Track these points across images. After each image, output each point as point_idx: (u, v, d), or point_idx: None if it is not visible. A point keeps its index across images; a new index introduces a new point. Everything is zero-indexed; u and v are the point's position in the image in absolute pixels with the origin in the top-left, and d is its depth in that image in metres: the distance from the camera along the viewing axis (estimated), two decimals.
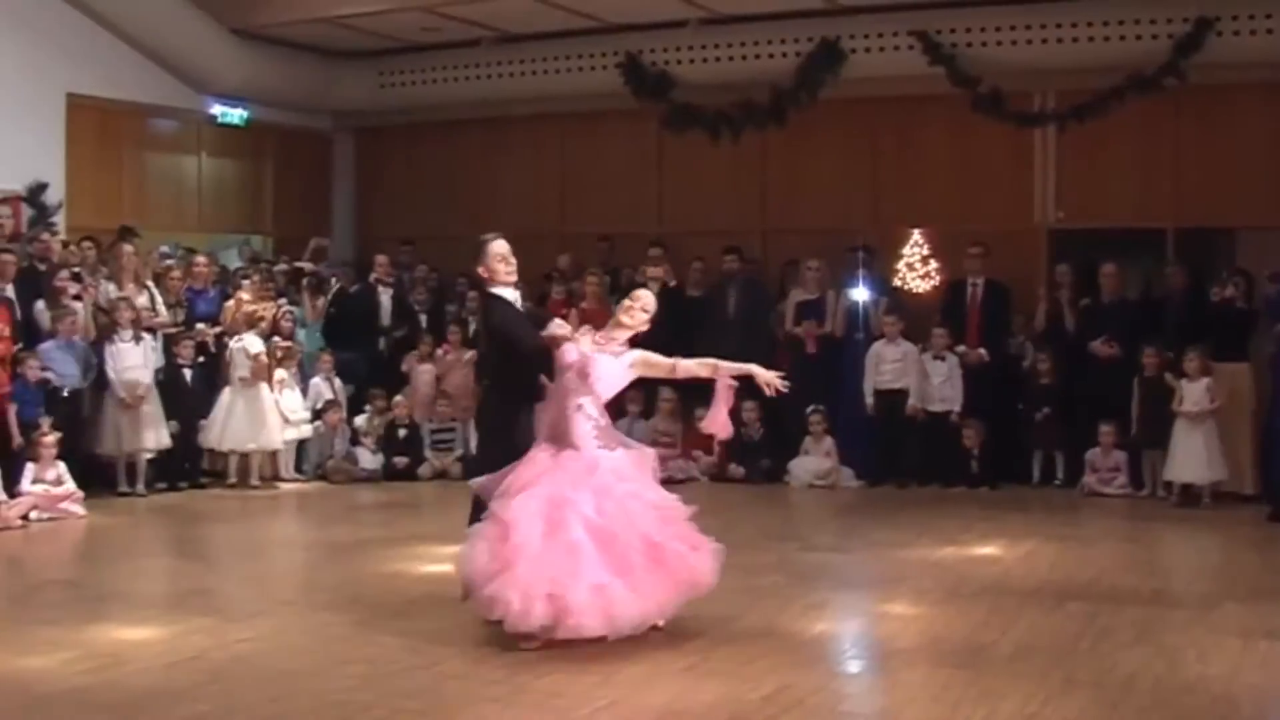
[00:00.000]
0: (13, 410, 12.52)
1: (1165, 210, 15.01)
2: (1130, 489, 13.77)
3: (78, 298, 13.56)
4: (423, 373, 15.74)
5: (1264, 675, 7.16)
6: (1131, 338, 13.89)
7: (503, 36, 17.28)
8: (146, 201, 16.82)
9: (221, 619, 8.36)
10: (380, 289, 16.47)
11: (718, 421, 8.29)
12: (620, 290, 15.84)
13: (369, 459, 15.21)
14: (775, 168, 16.68)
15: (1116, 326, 14.12)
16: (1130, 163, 15.15)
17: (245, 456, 14.47)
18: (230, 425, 14.32)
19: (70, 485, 12.55)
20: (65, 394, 13.17)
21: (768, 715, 6.39)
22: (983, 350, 14.66)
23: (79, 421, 13.39)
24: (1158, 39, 14.48)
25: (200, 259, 15.41)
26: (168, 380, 14.01)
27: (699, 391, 9.23)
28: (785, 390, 8.09)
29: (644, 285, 15.54)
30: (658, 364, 8.17)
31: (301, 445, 15.15)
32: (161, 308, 14.40)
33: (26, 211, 14.79)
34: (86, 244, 14.49)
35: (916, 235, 15.58)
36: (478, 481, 8.18)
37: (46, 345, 13.17)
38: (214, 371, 14.59)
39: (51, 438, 12.52)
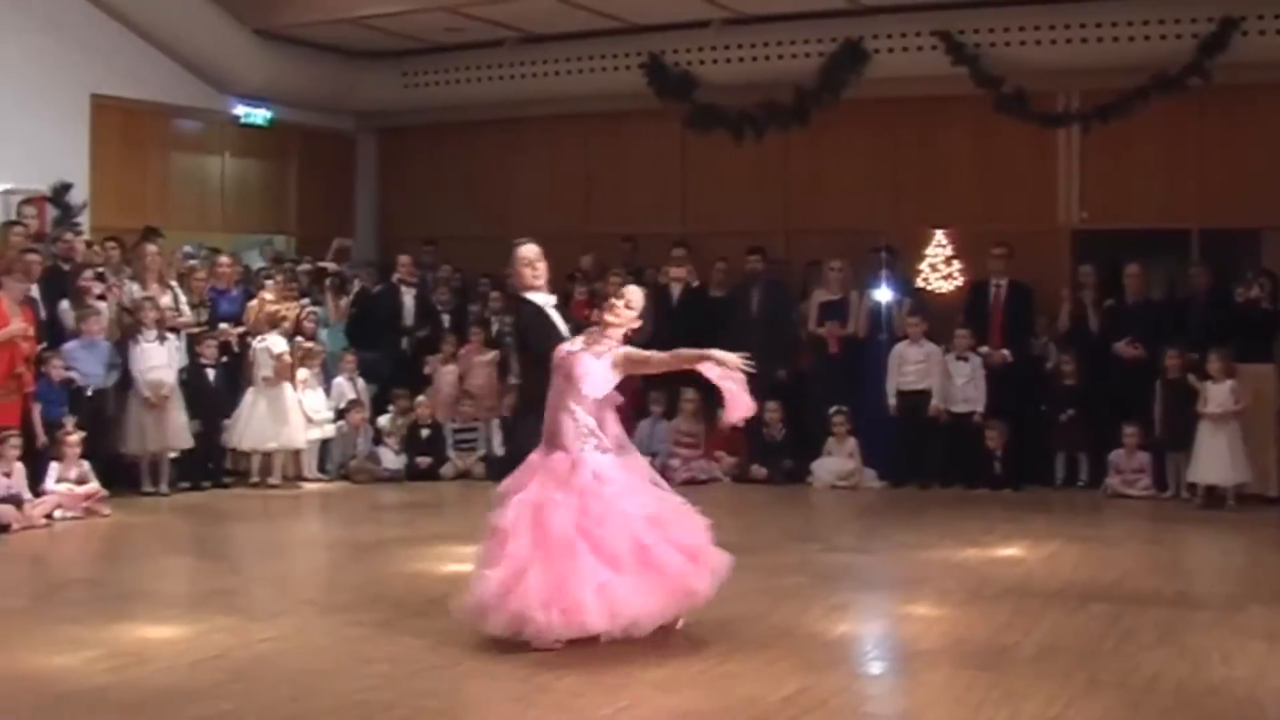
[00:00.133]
0: (37, 409, 12.58)
1: (1190, 211, 14.96)
2: (1154, 491, 13.71)
3: (102, 297, 13.63)
4: (445, 373, 15.75)
5: None
6: (1156, 339, 13.85)
7: (526, 37, 17.28)
8: (170, 202, 16.87)
9: (244, 618, 8.38)
10: (403, 289, 16.48)
11: (735, 410, 8.10)
12: (644, 291, 15.86)
13: (392, 459, 15.23)
14: (798, 168, 16.66)
15: (1140, 327, 14.07)
16: (1155, 163, 15.10)
17: (268, 456, 14.51)
18: (253, 425, 14.36)
19: (94, 484, 12.59)
20: (89, 394, 13.24)
21: (789, 716, 6.37)
22: (1006, 351, 14.62)
23: (103, 421, 13.43)
24: (1182, 39, 14.43)
25: (224, 259, 15.46)
26: (191, 380, 14.06)
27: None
28: (750, 370, 7.95)
29: (667, 285, 15.64)
30: (640, 359, 8.03)
31: (324, 445, 15.18)
32: (185, 308, 14.44)
33: (51, 212, 14.83)
34: (110, 244, 14.54)
35: (939, 236, 15.51)
36: (505, 484, 8.23)
37: (71, 345, 13.23)
38: (237, 371, 14.62)
39: (76, 437, 12.57)
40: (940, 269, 15.46)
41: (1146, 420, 13.76)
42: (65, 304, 13.56)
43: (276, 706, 6.55)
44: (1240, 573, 10.75)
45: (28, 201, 14.46)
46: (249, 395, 14.43)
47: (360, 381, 15.65)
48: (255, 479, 14.43)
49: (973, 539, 11.39)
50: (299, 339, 14.94)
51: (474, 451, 15.32)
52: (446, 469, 15.22)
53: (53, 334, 13.32)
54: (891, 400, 14.69)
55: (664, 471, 14.39)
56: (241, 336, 14.73)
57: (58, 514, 12.16)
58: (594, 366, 7.90)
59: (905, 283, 15.34)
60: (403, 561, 10.46)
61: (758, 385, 8.16)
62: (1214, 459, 13.05)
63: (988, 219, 15.36)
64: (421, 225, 18.40)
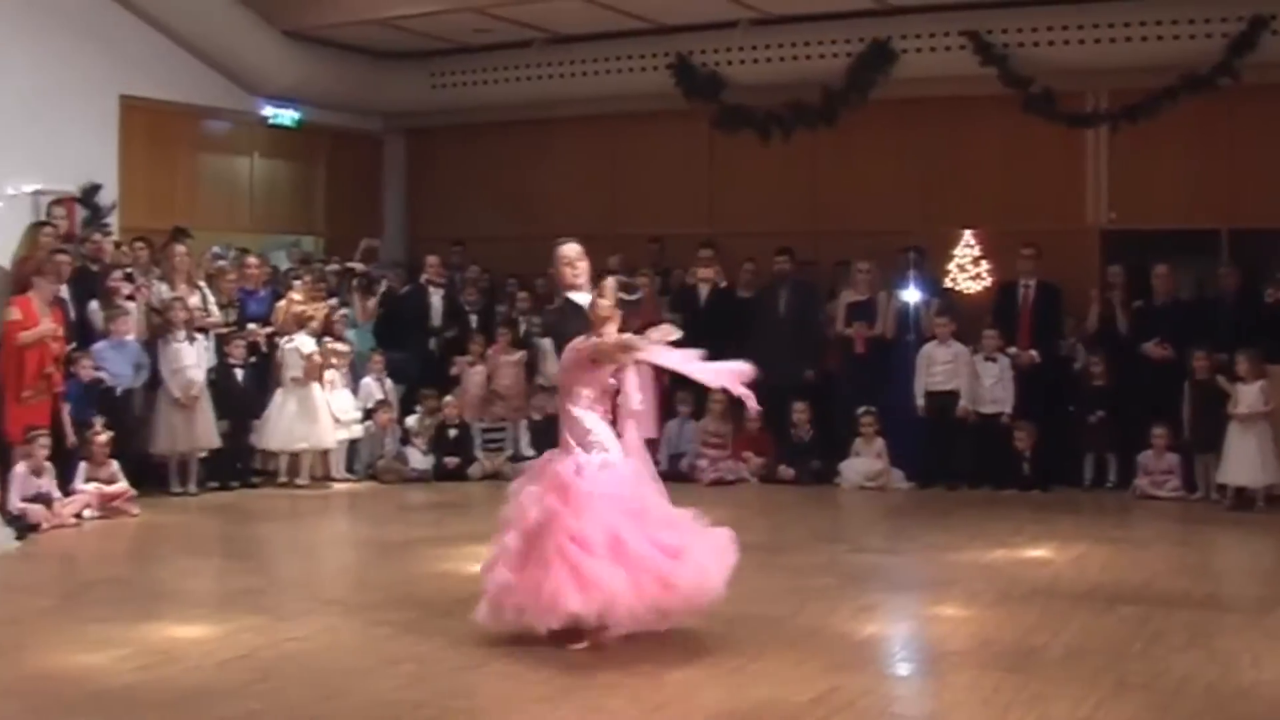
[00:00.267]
0: (67, 409, 12.63)
1: (1219, 211, 14.90)
2: (1183, 492, 13.65)
3: (131, 298, 13.70)
4: (473, 373, 15.75)
5: None
6: (1184, 339, 13.79)
7: (554, 37, 17.29)
8: (199, 202, 16.91)
9: (272, 618, 8.41)
10: (431, 289, 16.48)
11: (716, 378, 8.08)
12: (670, 291, 15.90)
13: (419, 459, 15.24)
14: (826, 168, 16.63)
15: (1169, 328, 14.01)
16: (1183, 163, 15.03)
17: (296, 456, 14.55)
18: (281, 425, 14.40)
19: (123, 484, 12.65)
20: (118, 394, 13.32)
21: (817, 717, 6.37)
22: (1034, 352, 14.56)
23: (131, 421, 13.51)
24: (1211, 38, 14.36)
25: (252, 260, 15.51)
26: (219, 380, 14.11)
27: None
28: (677, 336, 7.93)
29: (694, 286, 15.66)
30: (590, 349, 7.95)
31: (352, 445, 15.20)
32: (214, 308, 14.50)
33: (80, 212, 14.89)
34: (139, 245, 14.59)
35: (968, 236, 15.47)
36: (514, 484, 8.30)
37: (100, 345, 13.30)
38: (265, 371, 14.67)
39: (104, 437, 12.63)
40: (968, 269, 15.42)
41: (1175, 421, 13.72)
42: (94, 304, 13.63)
43: (304, 706, 6.58)
44: (1270, 574, 10.69)
45: (57, 202, 14.52)
46: (277, 395, 14.47)
47: (388, 382, 15.68)
48: (283, 479, 14.47)
49: (1001, 540, 11.36)
50: (327, 339, 14.97)
51: (501, 452, 15.33)
52: (474, 469, 15.22)
53: (82, 334, 13.39)
54: (919, 401, 14.64)
55: (692, 472, 14.53)
56: (270, 337, 14.77)
57: (87, 513, 12.22)
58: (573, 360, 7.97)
59: (933, 283, 15.29)
60: (430, 562, 10.49)
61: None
62: (1243, 460, 13.00)
63: (1016, 219, 15.31)
64: (449, 226, 18.42)
